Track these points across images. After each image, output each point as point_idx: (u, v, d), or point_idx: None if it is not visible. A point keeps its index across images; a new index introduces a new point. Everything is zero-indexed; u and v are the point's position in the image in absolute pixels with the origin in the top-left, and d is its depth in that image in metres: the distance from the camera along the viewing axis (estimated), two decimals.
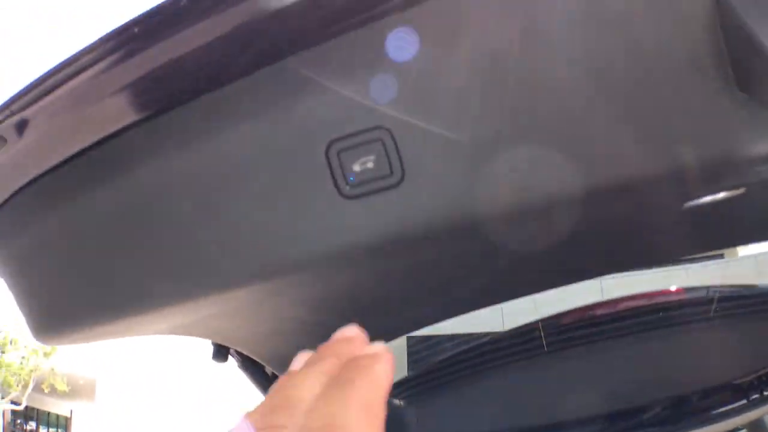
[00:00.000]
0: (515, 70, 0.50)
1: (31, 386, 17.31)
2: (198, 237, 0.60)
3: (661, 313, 1.74)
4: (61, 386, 17.77)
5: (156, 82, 0.54)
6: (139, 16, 0.49)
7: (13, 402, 18.21)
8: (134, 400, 19.41)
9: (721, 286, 1.76)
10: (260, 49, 0.53)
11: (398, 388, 1.61)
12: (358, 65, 0.53)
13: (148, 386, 16.56)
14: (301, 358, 0.39)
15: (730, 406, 1.76)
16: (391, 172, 0.53)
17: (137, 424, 18.40)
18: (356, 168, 0.53)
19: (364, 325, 0.52)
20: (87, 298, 0.72)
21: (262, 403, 0.35)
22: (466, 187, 0.53)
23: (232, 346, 1.05)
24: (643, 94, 0.51)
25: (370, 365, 0.35)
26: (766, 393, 1.76)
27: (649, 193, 0.60)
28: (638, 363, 1.71)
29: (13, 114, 0.56)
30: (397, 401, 1.60)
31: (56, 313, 0.75)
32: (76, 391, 21.23)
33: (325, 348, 0.39)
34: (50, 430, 29.30)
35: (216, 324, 0.85)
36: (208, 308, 0.69)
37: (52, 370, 17.35)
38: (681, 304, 1.75)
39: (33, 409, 31.32)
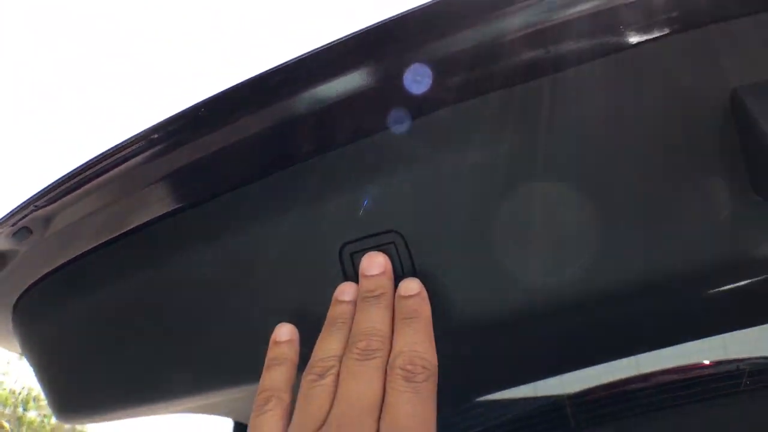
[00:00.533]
0: (529, 177, 0.52)
1: None
2: (219, 331, 0.62)
3: (688, 389, 1.68)
4: None
5: (177, 183, 0.56)
6: (162, 122, 0.52)
7: None
8: None
9: (755, 358, 1.67)
10: (279, 154, 0.55)
11: None
12: (372, 169, 0.55)
13: None
14: (348, 289, 0.54)
15: None
16: (403, 274, 0.55)
17: None
18: None
19: None
20: (108, 384, 0.73)
21: (351, 334, 0.50)
22: (477, 291, 0.54)
23: None
24: (660, 196, 0.52)
25: (420, 306, 0.51)
26: None
27: (670, 288, 0.60)
28: None
29: (37, 208, 0.58)
30: None
31: (77, 397, 0.77)
32: None
33: (369, 282, 0.53)
34: None
35: (240, 405, 0.86)
36: (230, 393, 0.70)
37: (74, 428, 16.96)
38: (709, 379, 1.68)
39: None
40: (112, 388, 0.73)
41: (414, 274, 0.55)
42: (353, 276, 0.56)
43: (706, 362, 1.72)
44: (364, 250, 0.55)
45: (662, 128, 0.52)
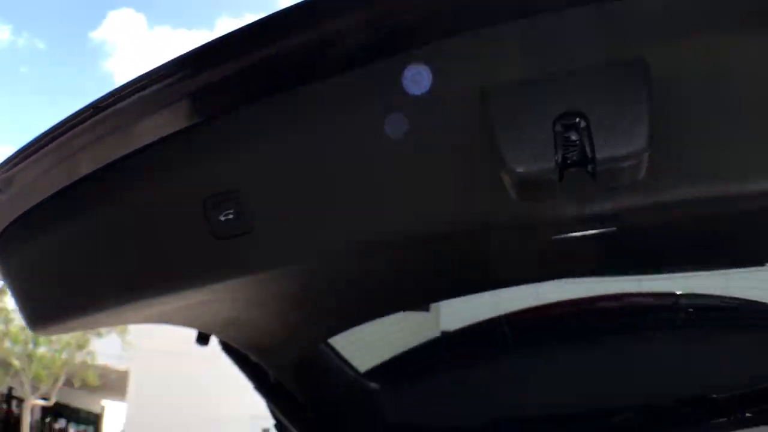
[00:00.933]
0: (347, 151, 0.74)
1: (62, 380, 17.26)
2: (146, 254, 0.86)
3: (624, 318, 1.84)
4: (93, 380, 17.68)
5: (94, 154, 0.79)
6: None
7: (42, 398, 18.22)
8: (167, 394, 18.85)
9: (697, 295, 1.79)
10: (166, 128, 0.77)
11: (376, 372, 1.78)
12: (226, 145, 0.77)
13: (183, 380, 16.15)
14: None
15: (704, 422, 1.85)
16: (246, 221, 0.78)
17: (170, 422, 17.90)
18: (222, 218, 0.76)
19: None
20: (68, 298, 0.96)
21: None
22: (300, 232, 0.79)
23: (210, 333, 1.31)
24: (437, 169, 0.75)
25: None
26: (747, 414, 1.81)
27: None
28: (599, 364, 1.84)
29: (4, 172, 0.80)
30: (373, 384, 1.79)
31: (50, 308, 0.99)
32: (107, 385, 21.08)
33: None
34: (80, 427, 29.58)
35: (192, 312, 1.09)
36: (177, 301, 0.94)
37: (84, 362, 17.27)
38: (646, 310, 1.84)
39: (63, 405, 30.27)
40: (72, 301, 0.95)
41: (254, 222, 0.77)
42: (214, 222, 0.78)
43: (647, 293, 1.83)
44: (220, 203, 0.77)
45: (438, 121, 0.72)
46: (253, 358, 1.43)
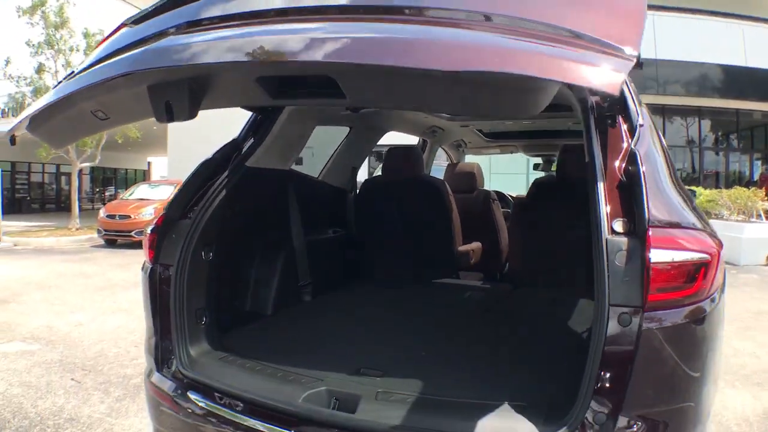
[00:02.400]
0: None
1: (104, 140, 17.91)
2: None
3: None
4: (134, 134, 18.34)
5: None
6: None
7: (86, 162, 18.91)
8: (204, 140, 17.60)
9: None
10: None
11: None
12: (97, 94, 1.86)
13: (217, 125, 14.69)
14: None
15: None
16: (106, 116, 1.93)
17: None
18: (99, 115, 1.96)
19: None
20: (61, 134, 2.27)
21: None
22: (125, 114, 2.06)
23: None
24: None
25: None
26: None
27: None
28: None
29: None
30: None
31: (59, 138, 2.39)
32: (150, 141, 21.86)
33: None
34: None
35: None
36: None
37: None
38: None
39: (110, 170, 33.74)
40: (61, 135, 2.26)
41: (109, 115, 2.06)
42: (97, 116, 1.96)
43: None
44: (97, 111, 1.97)
45: None
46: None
